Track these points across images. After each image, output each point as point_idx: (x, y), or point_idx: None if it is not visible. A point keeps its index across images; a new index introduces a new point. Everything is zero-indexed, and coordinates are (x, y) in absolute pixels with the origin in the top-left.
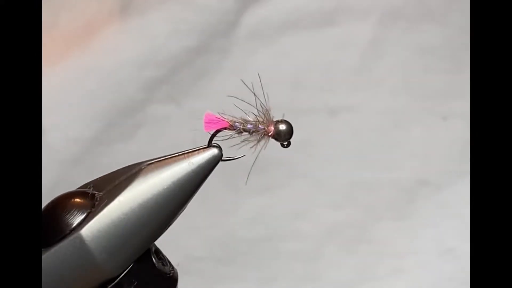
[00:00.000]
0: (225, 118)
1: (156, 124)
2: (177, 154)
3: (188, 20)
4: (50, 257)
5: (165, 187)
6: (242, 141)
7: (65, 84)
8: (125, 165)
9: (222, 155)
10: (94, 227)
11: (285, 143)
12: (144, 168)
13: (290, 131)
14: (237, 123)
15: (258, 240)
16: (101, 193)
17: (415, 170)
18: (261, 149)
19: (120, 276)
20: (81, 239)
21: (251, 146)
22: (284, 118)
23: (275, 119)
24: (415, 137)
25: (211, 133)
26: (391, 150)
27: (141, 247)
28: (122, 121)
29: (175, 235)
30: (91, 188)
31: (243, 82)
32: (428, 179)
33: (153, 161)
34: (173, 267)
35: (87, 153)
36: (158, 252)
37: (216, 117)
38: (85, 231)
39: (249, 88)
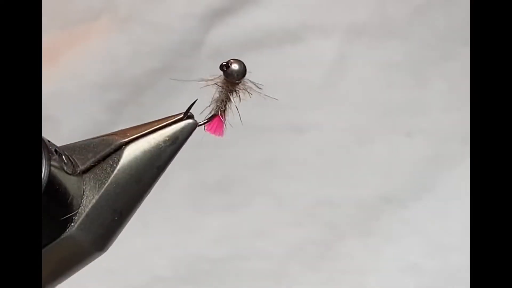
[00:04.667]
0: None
1: None
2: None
3: (151, 41)
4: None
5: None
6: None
7: None
8: None
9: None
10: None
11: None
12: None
13: (241, 69)
14: (218, 104)
15: (222, 259)
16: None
17: (379, 187)
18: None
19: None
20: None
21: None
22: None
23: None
24: (379, 154)
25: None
26: (355, 167)
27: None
28: None
29: (139, 255)
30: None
31: None
32: (391, 196)
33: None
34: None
35: None
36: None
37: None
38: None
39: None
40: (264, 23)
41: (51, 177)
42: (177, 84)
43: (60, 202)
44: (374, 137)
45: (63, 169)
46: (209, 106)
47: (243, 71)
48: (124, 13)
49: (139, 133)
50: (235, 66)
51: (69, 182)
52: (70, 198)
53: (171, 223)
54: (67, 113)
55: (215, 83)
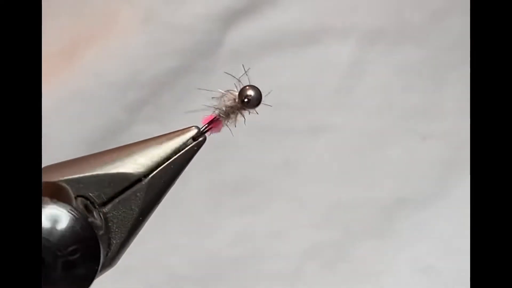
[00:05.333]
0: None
1: None
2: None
3: (170, 41)
4: None
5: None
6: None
7: (49, 108)
8: None
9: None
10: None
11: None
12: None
13: (257, 97)
14: (217, 110)
15: (240, 260)
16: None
17: (394, 190)
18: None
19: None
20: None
21: (231, 121)
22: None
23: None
24: (395, 157)
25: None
26: (371, 170)
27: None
28: (107, 143)
29: (158, 254)
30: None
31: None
32: (406, 199)
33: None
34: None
35: None
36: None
37: (208, 117)
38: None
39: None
40: (281, 25)
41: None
42: (196, 84)
43: (94, 256)
44: (390, 140)
45: (95, 224)
46: (214, 109)
47: (259, 101)
48: (144, 13)
49: (153, 160)
50: (253, 98)
51: (100, 234)
52: (102, 248)
53: (189, 223)
54: (86, 112)
55: (227, 104)
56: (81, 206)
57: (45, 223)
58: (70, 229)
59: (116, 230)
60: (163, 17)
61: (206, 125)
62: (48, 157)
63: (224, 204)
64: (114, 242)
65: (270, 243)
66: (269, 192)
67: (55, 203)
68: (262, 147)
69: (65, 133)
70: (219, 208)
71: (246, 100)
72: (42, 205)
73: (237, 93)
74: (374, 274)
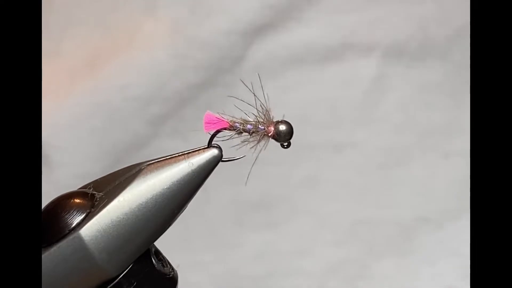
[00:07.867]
0: (225, 118)
1: None
2: (177, 155)
3: (194, 56)
4: (49, 257)
5: (165, 187)
6: (242, 142)
7: (73, 121)
8: None
9: (222, 155)
10: (94, 227)
11: (285, 143)
12: (144, 168)
13: (290, 132)
14: (237, 123)
15: (262, 277)
16: (101, 194)
17: (416, 208)
18: (261, 149)
19: (120, 277)
20: (80, 239)
21: (251, 146)
22: (284, 119)
23: (275, 120)
24: (417, 174)
25: (211, 134)
26: (393, 187)
27: (141, 248)
28: (130, 156)
29: (180, 270)
30: (91, 189)
31: (242, 81)
32: (428, 217)
33: (153, 161)
34: (173, 269)
35: None
36: (158, 253)
37: (216, 117)
38: (84, 231)
39: (248, 88)
40: (305, 41)
41: None
42: (218, 98)
43: None
44: (412, 157)
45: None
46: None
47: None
48: (168, 27)
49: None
50: (285, 133)
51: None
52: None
53: (212, 239)
54: (109, 125)
55: (262, 120)
56: (156, 264)
57: None
58: None
59: None
60: (187, 32)
61: (214, 133)
62: (70, 170)
63: (246, 221)
64: None
65: (292, 260)
66: (291, 209)
67: None
68: (285, 163)
69: (88, 146)
70: (242, 224)
71: (286, 145)
72: None
73: (267, 122)
74: None
